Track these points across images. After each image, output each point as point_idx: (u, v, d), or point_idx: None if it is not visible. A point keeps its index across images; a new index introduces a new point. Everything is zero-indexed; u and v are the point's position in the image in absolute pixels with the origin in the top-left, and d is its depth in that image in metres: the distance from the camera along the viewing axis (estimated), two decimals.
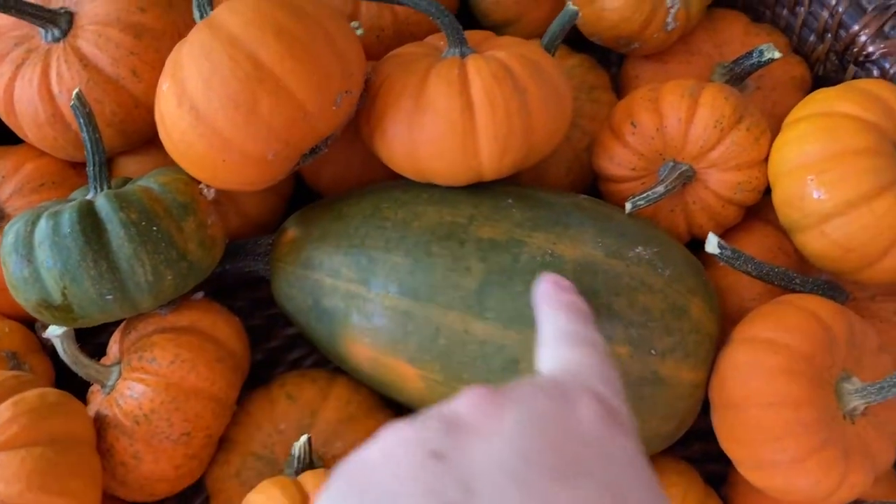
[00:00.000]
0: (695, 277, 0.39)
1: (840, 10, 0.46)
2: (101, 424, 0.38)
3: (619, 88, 0.50)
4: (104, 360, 0.42)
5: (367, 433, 0.41)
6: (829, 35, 0.47)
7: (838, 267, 0.40)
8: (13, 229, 0.36)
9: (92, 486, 0.36)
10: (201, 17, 0.37)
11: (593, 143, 0.45)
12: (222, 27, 0.35)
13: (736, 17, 0.49)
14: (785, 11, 0.49)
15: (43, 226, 0.36)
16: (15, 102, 0.41)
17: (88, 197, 0.38)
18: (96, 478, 0.36)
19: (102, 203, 0.36)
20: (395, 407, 0.44)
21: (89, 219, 0.35)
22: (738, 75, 0.45)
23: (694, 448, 0.46)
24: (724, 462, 0.43)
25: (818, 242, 0.39)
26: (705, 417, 0.40)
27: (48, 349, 0.44)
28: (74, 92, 0.37)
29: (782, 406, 0.35)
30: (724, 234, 0.44)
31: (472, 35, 0.42)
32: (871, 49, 0.45)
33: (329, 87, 0.36)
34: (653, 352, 0.37)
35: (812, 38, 0.48)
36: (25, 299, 0.37)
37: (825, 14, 0.46)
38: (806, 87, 0.48)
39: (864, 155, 0.38)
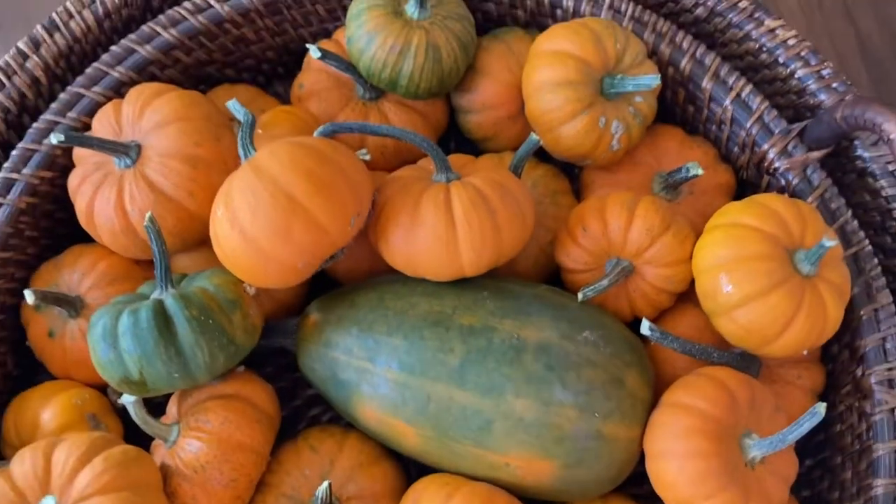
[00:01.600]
0: (631, 354, 0.50)
1: (753, 131, 0.57)
2: (165, 472, 0.49)
3: (579, 192, 0.61)
4: (164, 419, 0.52)
5: (374, 478, 0.52)
6: (748, 150, 0.58)
7: (746, 345, 0.50)
8: (100, 322, 0.47)
9: None
10: (245, 156, 0.48)
11: (555, 240, 0.56)
12: (264, 170, 0.46)
13: (673, 132, 0.60)
14: (714, 127, 0.60)
15: (125, 320, 0.46)
16: (95, 216, 0.52)
17: (156, 295, 0.48)
18: None
19: (171, 303, 0.47)
20: (398, 457, 0.54)
21: (161, 315, 0.46)
22: (672, 185, 0.56)
23: (645, 488, 0.56)
24: None
25: (729, 326, 0.50)
26: None
27: (118, 410, 0.55)
28: (147, 215, 0.48)
29: (696, 457, 0.46)
30: (661, 315, 0.55)
31: (455, 160, 0.53)
32: (777, 164, 0.56)
33: (345, 212, 0.47)
34: (596, 414, 0.47)
35: (735, 149, 0.59)
36: (110, 377, 0.47)
37: (742, 133, 0.57)
38: (731, 192, 0.59)
39: (761, 259, 0.48)
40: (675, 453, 0.46)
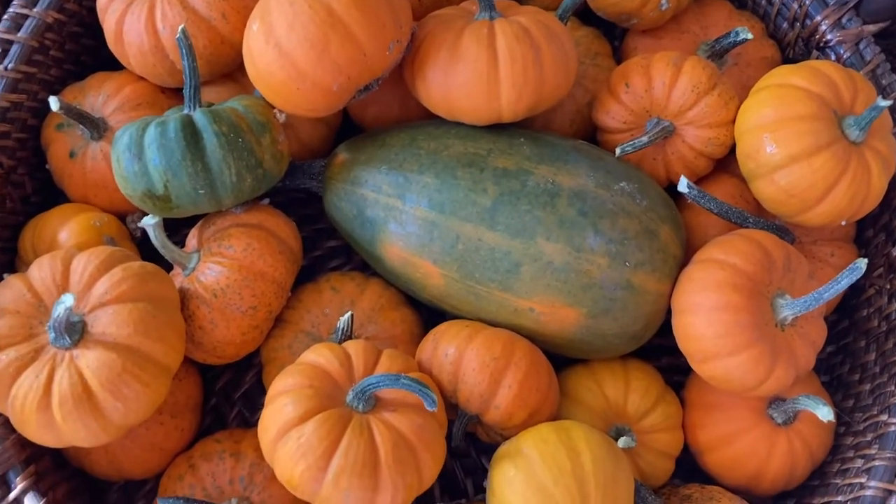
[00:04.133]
0: (666, 209, 0.49)
1: (807, 2, 0.54)
2: (184, 296, 0.48)
3: (620, 58, 0.59)
4: (183, 250, 0.51)
5: (393, 321, 0.51)
6: (798, 23, 0.56)
7: (784, 210, 0.49)
8: (126, 133, 0.46)
9: (179, 340, 0.46)
10: None
11: (594, 100, 0.54)
12: None
13: (721, 3, 0.58)
14: (764, 1, 0.58)
15: (152, 131, 0.45)
16: (124, 34, 0.51)
17: (184, 111, 0.47)
18: (182, 334, 0.46)
19: (199, 117, 0.45)
20: (416, 304, 0.53)
21: (189, 128, 0.45)
22: (719, 52, 0.55)
23: (662, 361, 0.56)
24: (684, 373, 0.53)
25: (769, 189, 0.49)
26: (673, 338, 0.49)
27: (136, 239, 0.54)
28: (180, 27, 0.46)
29: (724, 310, 0.45)
30: (696, 181, 0.54)
31: (499, 2, 0.51)
32: (829, 37, 0.54)
33: (384, 35, 0.45)
34: (627, 264, 0.46)
35: (784, 25, 0.57)
36: (133, 190, 0.46)
37: (795, 5, 0.55)
38: (775, 66, 0.57)
39: (808, 119, 0.47)
40: (704, 306, 0.46)
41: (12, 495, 0.45)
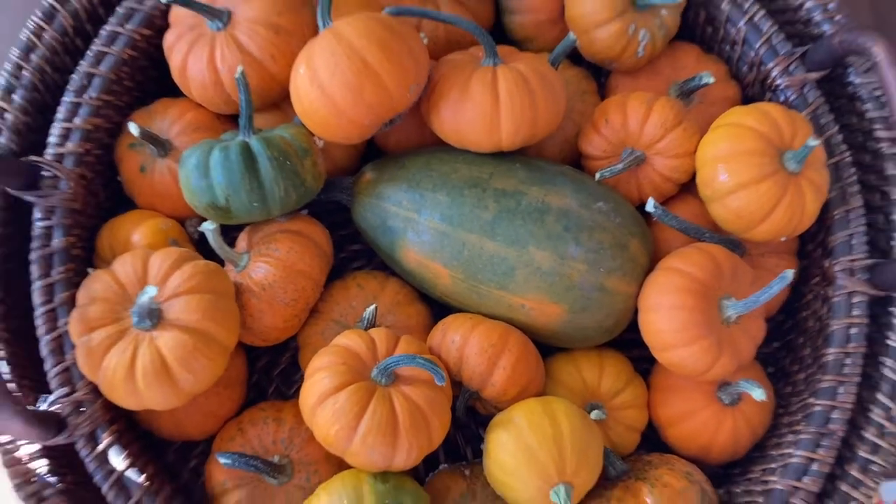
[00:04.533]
0: (636, 226, 0.59)
1: (761, 52, 0.65)
2: (237, 289, 0.58)
3: (604, 95, 0.69)
4: (234, 251, 0.61)
5: (409, 314, 0.61)
6: (755, 68, 0.66)
7: (734, 228, 0.59)
8: (194, 154, 0.56)
9: (235, 325, 0.56)
10: (324, 25, 0.56)
11: (580, 132, 0.64)
12: (343, 36, 0.54)
13: (691, 48, 0.68)
14: (727, 47, 0.68)
15: (217, 154, 0.55)
16: (188, 70, 0.61)
17: (241, 138, 0.57)
18: (237, 320, 0.56)
19: (255, 143, 0.56)
20: (427, 300, 0.64)
21: (247, 153, 0.55)
22: (686, 92, 0.65)
23: (633, 352, 0.65)
24: (650, 362, 0.63)
25: (721, 211, 0.59)
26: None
27: (193, 240, 0.64)
28: (239, 69, 0.56)
29: (681, 310, 0.55)
30: (664, 202, 0.64)
31: (501, 49, 0.61)
32: (779, 81, 0.64)
33: (407, 80, 0.55)
34: (601, 270, 0.57)
35: (745, 68, 0.67)
36: (199, 201, 0.56)
37: (752, 53, 0.65)
38: (736, 105, 0.67)
39: (755, 154, 0.57)
40: (664, 305, 0.56)
41: (100, 448, 0.55)
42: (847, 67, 0.65)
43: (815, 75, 0.63)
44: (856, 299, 0.60)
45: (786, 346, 0.68)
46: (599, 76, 0.70)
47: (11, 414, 0.50)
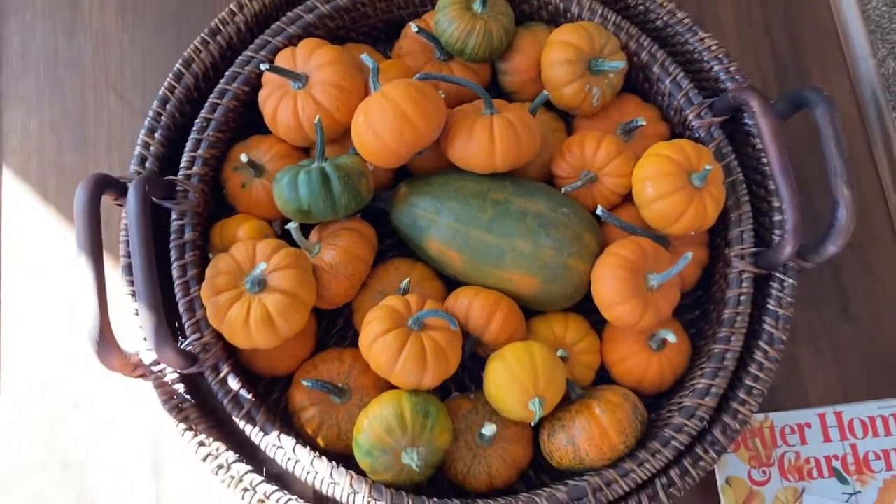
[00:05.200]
0: (590, 224, 0.85)
1: (681, 102, 0.91)
2: (313, 268, 0.84)
3: (570, 132, 0.95)
4: (309, 242, 0.87)
5: (431, 287, 0.87)
6: (678, 113, 0.92)
7: (657, 226, 0.85)
8: (286, 175, 0.81)
9: (313, 291, 0.81)
10: (374, 88, 0.83)
11: (552, 159, 0.91)
12: (389, 96, 0.80)
13: (633, 98, 0.94)
14: (659, 97, 0.94)
15: (302, 176, 0.81)
16: (277, 117, 0.87)
17: (318, 164, 0.83)
18: (314, 288, 0.81)
19: (328, 168, 0.81)
20: (445, 279, 0.89)
21: (323, 175, 0.81)
22: (628, 131, 0.91)
23: (591, 317, 0.90)
24: (603, 323, 0.88)
25: (648, 214, 0.85)
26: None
27: (278, 236, 0.90)
28: (317, 118, 0.82)
29: (618, 280, 0.80)
30: (611, 208, 0.90)
31: (495, 101, 0.87)
32: (694, 123, 0.90)
33: (433, 125, 0.81)
34: (564, 254, 0.82)
35: (672, 113, 0.94)
36: (289, 208, 0.82)
37: (675, 102, 0.92)
38: (666, 139, 0.93)
39: (671, 175, 0.83)
40: (607, 277, 0.81)
41: (221, 375, 0.81)
42: (744, 112, 0.91)
43: (718, 119, 0.89)
44: (745, 276, 0.85)
45: (703, 314, 0.94)
46: (567, 119, 0.97)
47: (170, 348, 0.76)
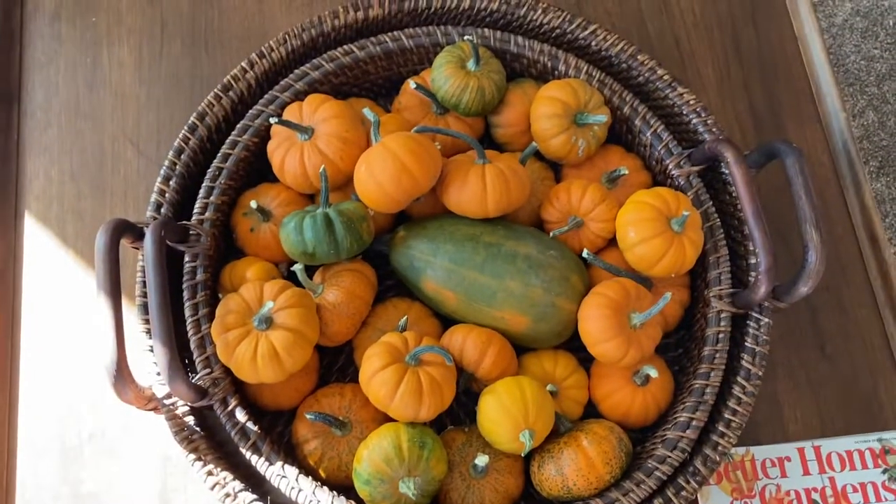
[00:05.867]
0: (577, 265, 0.91)
1: (662, 153, 0.97)
2: (316, 307, 0.89)
3: (558, 180, 1.01)
4: (313, 282, 0.92)
5: (427, 325, 0.92)
6: (659, 163, 0.99)
7: (640, 268, 0.91)
8: (292, 220, 0.88)
9: (317, 329, 0.86)
10: (375, 140, 0.89)
11: (541, 205, 0.97)
12: (389, 148, 0.86)
13: (616, 149, 1.01)
14: (641, 148, 1.01)
15: (308, 220, 0.87)
16: (284, 166, 0.93)
17: (322, 210, 0.89)
18: (318, 326, 0.87)
19: (332, 213, 0.88)
20: (440, 317, 0.95)
21: (327, 220, 0.87)
22: (612, 179, 0.97)
23: (580, 354, 0.96)
24: (591, 360, 0.93)
25: (631, 257, 0.90)
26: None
27: (284, 277, 0.95)
28: (322, 168, 0.88)
29: (602, 318, 0.86)
30: (596, 251, 0.95)
31: (488, 152, 0.93)
32: (674, 172, 0.96)
33: (429, 174, 0.87)
34: (552, 293, 0.88)
35: (653, 163, 1.00)
36: (295, 250, 0.88)
37: (656, 153, 0.98)
38: (645, 188, 1.00)
39: (651, 220, 0.89)
40: (592, 316, 0.87)
41: (229, 408, 0.85)
42: (720, 162, 0.97)
43: (696, 169, 0.96)
44: (723, 315, 0.91)
45: (685, 352, 0.99)
46: (555, 168, 1.03)
47: (181, 382, 0.81)
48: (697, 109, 0.98)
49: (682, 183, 0.96)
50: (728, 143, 0.90)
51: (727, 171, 0.97)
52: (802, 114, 1.15)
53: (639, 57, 1.01)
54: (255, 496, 0.84)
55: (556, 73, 1.00)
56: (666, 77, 1.00)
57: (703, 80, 1.16)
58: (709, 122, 0.98)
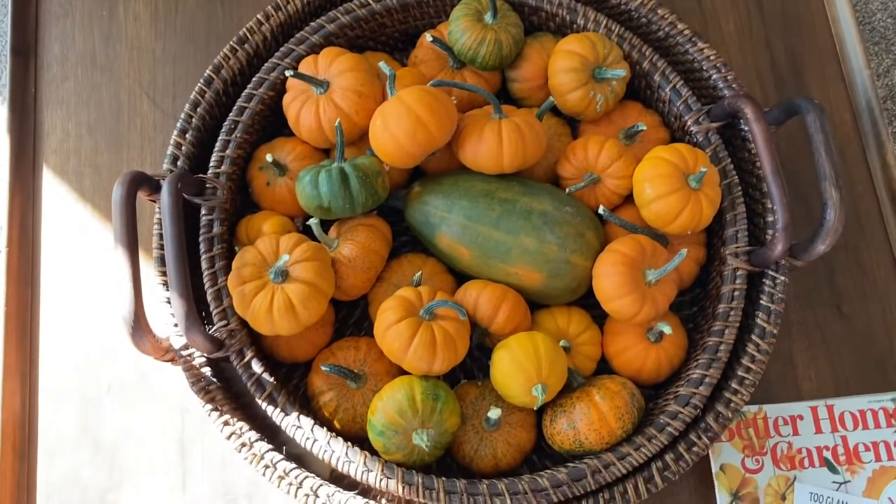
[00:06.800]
0: (592, 222, 0.90)
1: (681, 108, 0.96)
2: (332, 261, 0.89)
3: (575, 136, 1.00)
4: (328, 236, 0.93)
5: (442, 280, 0.93)
6: (677, 119, 0.97)
7: (656, 225, 0.90)
8: (308, 174, 0.88)
9: (332, 282, 0.86)
10: (391, 93, 0.88)
11: (557, 161, 0.96)
12: (405, 101, 0.86)
13: (635, 105, 0.99)
14: (660, 104, 0.99)
15: (323, 174, 0.87)
16: (300, 120, 0.93)
17: (338, 164, 0.89)
18: (333, 279, 0.87)
19: (347, 167, 0.87)
20: (455, 273, 0.95)
21: (342, 174, 0.87)
22: (629, 135, 0.96)
23: (594, 311, 0.96)
24: (604, 317, 0.93)
25: (648, 213, 0.90)
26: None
27: (299, 231, 0.95)
28: (337, 121, 0.88)
29: (618, 275, 0.86)
30: (612, 208, 0.95)
31: (504, 107, 0.92)
32: (692, 129, 0.95)
33: (445, 129, 0.86)
34: (567, 250, 0.88)
35: (672, 119, 0.99)
36: (311, 204, 0.88)
37: (675, 109, 0.97)
38: (663, 144, 0.99)
39: (668, 176, 0.88)
40: (607, 273, 0.86)
41: (246, 359, 0.86)
42: (739, 118, 0.96)
43: (715, 125, 0.94)
44: (738, 273, 0.90)
45: (700, 310, 0.99)
46: (572, 124, 1.02)
47: (198, 333, 0.82)
48: (717, 65, 0.97)
49: (700, 139, 0.95)
50: (748, 98, 0.89)
51: (746, 128, 0.95)
52: (825, 72, 1.13)
53: (659, 11, 0.99)
54: (270, 446, 0.85)
55: (575, 26, 0.99)
56: (686, 32, 0.99)
57: (725, 36, 1.14)
58: (729, 77, 0.96)
